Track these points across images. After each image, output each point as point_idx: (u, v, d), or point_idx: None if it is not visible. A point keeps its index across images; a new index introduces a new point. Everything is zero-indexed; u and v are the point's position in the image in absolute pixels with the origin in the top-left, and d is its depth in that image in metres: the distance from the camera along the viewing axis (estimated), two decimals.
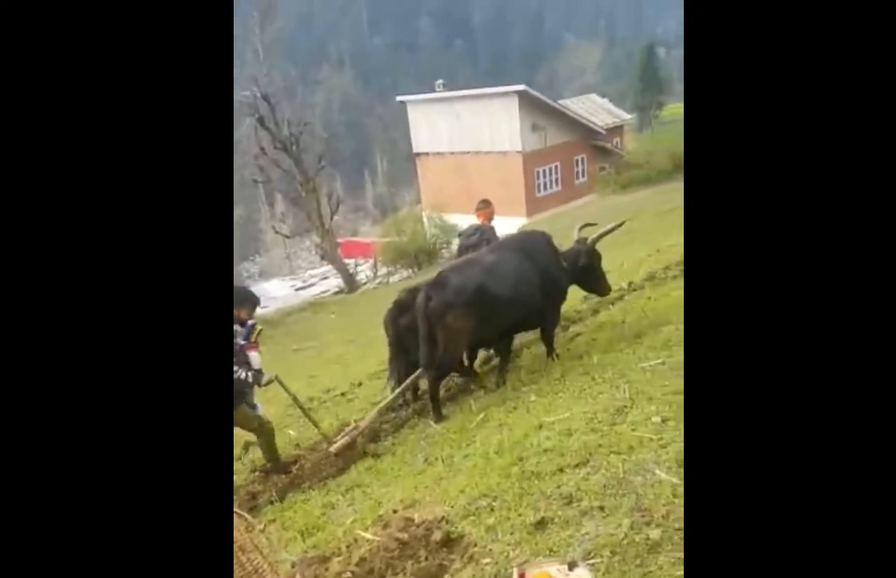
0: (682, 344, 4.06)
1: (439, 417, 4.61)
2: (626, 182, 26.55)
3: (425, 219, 23.17)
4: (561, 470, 2.86)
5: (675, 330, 4.42)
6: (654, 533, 2.16)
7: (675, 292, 5.94)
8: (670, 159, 26.04)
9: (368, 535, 2.98)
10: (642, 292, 6.61)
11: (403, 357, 5.08)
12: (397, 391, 5.01)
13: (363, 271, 23.94)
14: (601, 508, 2.43)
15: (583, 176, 28.32)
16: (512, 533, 2.49)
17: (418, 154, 29.67)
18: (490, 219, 5.69)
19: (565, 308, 5.73)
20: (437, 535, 2.68)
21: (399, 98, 30.64)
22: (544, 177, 26.73)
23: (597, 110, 31.59)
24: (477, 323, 4.61)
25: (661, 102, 47.21)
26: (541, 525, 2.47)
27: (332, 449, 4.55)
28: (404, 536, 2.78)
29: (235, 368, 4.20)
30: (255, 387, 4.53)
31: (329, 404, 6.68)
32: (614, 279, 7.52)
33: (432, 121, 28.45)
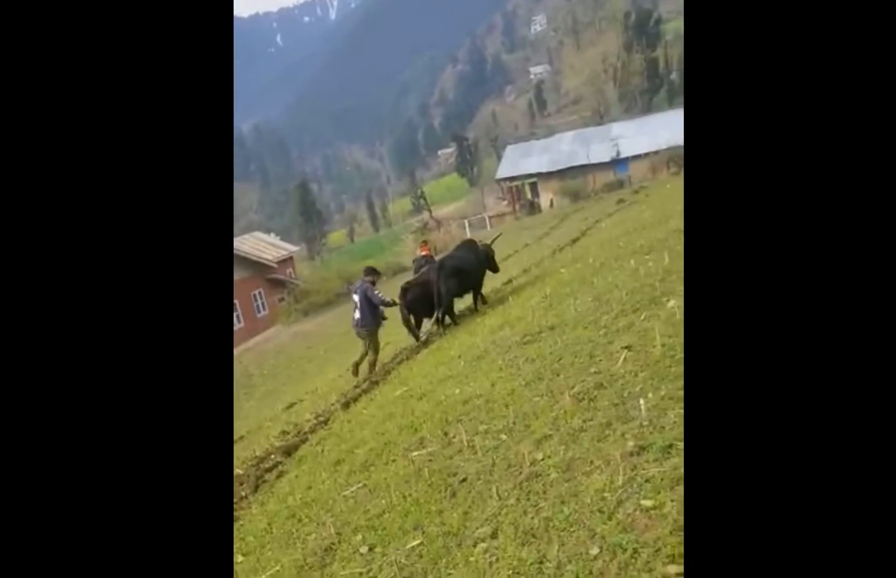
0: (379, 462, 4.23)
1: (444, 326, 8.88)
2: (306, 308, 27.21)
3: None
4: None
5: (370, 450, 4.58)
6: None
7: (366, 410, 6.20)
8: (343, 281, 27.62)
9: None
10: (336, 414, 6.74)
11: (412, 316, 8.96)
12: (431, 321, 9.02)
13: None
14: None
15: (264, 309, 28.15)
16: None
17: None
18: (430, 251, 10.38)
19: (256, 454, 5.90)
20: None
21: None
22: None
23: (264, 246, 32.14)
24: (460, 281, 8.87)
25: (325, 231, 50.43)
26: None
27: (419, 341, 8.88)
28: None
29: (382, 297, 8.84)
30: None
31: None
32: (312, 403, 7.53)
33: None
